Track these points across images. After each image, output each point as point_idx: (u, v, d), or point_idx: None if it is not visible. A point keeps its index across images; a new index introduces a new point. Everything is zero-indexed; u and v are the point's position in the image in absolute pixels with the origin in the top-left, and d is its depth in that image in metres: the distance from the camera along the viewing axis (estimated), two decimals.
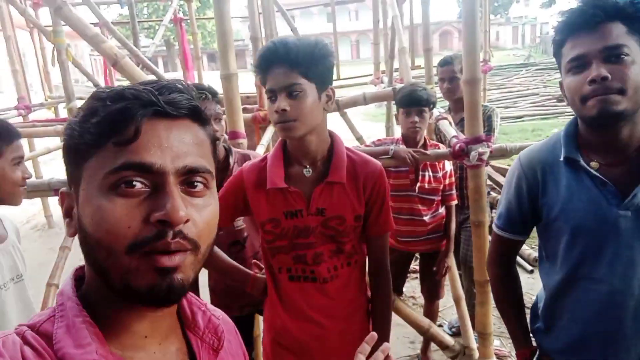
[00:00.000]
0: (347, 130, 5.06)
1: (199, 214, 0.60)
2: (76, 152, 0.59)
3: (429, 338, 2.67)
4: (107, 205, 0.56)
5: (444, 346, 2.60)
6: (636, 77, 1.08)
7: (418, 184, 2.54)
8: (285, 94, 1.26)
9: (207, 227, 0.62)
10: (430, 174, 2.57)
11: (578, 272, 1.23)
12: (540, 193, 1.27)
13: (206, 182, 0.63)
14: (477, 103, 2.29)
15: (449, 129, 2.67)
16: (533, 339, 1.42)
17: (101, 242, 0.56)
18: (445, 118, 2.86)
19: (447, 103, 3.20)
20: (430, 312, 2.85)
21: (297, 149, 1.36)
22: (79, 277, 0.65)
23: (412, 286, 3.73)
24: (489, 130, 2.86)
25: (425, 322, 2.59)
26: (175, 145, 0.59)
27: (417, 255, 2.92)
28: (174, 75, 11.06)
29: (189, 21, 7.45)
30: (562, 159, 1.22)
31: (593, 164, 1.19)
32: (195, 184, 0.61)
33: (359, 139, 4.91)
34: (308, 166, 1.37)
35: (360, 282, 1.50)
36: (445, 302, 3.30)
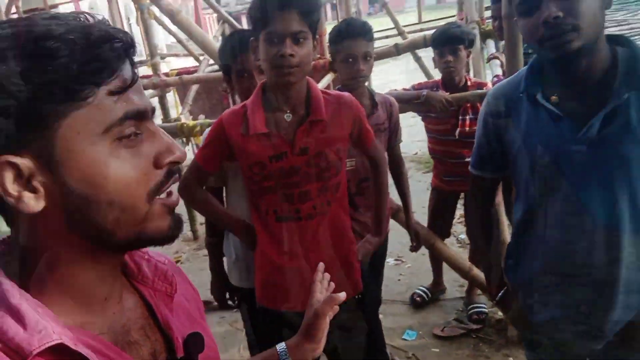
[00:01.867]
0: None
1: None
2: (36, 109, 0.48)
3: (470, 280, 2.69)
4: (116, 161, 0.53)
5: (485, 289, 2.61)
6: (588, 10, 1.03)
7: (458, 129, 2.49)
8: (291, 40, 1.32)
9: None
10: (471, 116, 2.51)
11: (536, 208, 1.23)
12: (504, 127, 1.26)
13: None
14: (518, 39, 2.17)
15: (496, 69, 2.56)
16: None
17: (114, 201, 0.53)
18: (497, 57, 2.74)
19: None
20: (475, 255, 2.84)
21: (282, 95, 1.42)
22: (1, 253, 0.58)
23: (460, 230, 3.68)
24: None
25: (466, 264, 2.61)
26: (140, 86, 0.58)
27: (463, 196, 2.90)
28: None
29: None
30: (521, 92, 1.20)
31: (553, 98, 1.15)
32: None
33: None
34: (288, 111, 1.43)
35: (344, 216, 1.58)
36: None
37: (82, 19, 0.53)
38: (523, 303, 1.35)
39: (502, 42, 3.03)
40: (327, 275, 1.10)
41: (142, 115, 0.55)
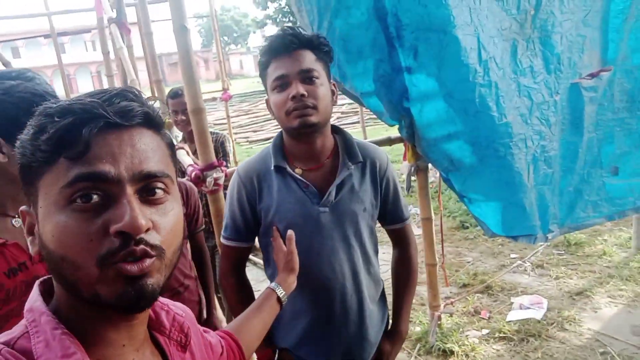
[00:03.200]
0: None
1: (162, 219, 0.60)
2: (30, 170, 0.58)
3: None
4: (65, 221, 0.55)
5: None
6: (323, 97, 1.31)
7: None
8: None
9: (171, 232, 0.61)
10: None
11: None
12: (257, 199, 1.42)
13: (166, 188, 0.62)
14: (206, 131, 2.38)
15: (186, 158, 2.72)
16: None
17: (65, 258, 0.55)
18: (182, 147, 2.91)
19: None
20: None
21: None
22: (44, 292, 0.63)
23: None
24: (224, 155, 3.01)
25: None
26: (129, 153, 0.58)
27: None
28: None
29: None
30: (272, 167, 1.40)
31: (297, 170, 1.39)
32: (155, 190, 0.60)
33: None
34: (17, 216, 1.25)
35: None
36: None
37: (121, 93, 0.61)
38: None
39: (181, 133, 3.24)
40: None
41: (103, 180, 0.56)
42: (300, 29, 1.35)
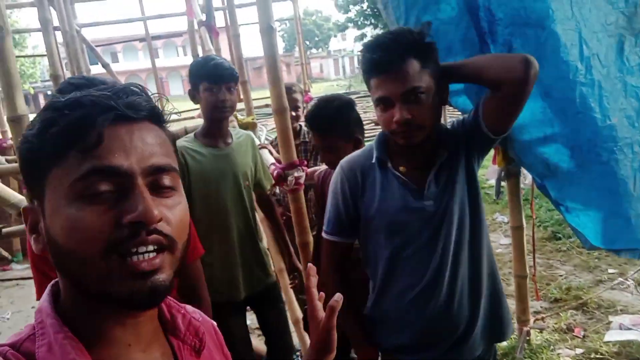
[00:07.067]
0: None
1: (170, 212, 0.60)
2: (37, 164, 0.58)
3: None
4: (77, 214, 0.55)
5: None
6: (429, 112, 1.27)
7: None
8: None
9: (180, 224, 0.62)
10: None
11: (398, 262, 1.39)
12: (360, 193, 1.41)
13: (173, 181, 0.62)
14: (288, 130, 2.40)
15: (268, 157, 2.75)
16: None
17: (75, 252, 0.55)
18: (265, 147, 2.96)
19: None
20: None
21: None
22: (54, 292, 0.63)
23: None
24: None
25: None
26: (140, 147, 0.59)
27: None
28: None
29: None
30: (374, 161, 1.39)
31: (401, 168, 1.37)
32: (164, 183, 0.61)
33: None
34: None
35: None
36: None
37: (128, 88, 0.61)
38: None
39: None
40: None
41: (115, 173, 0.56)
42: (401, 34, 1.27)
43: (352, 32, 29.52)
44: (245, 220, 2.17)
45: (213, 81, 1.98)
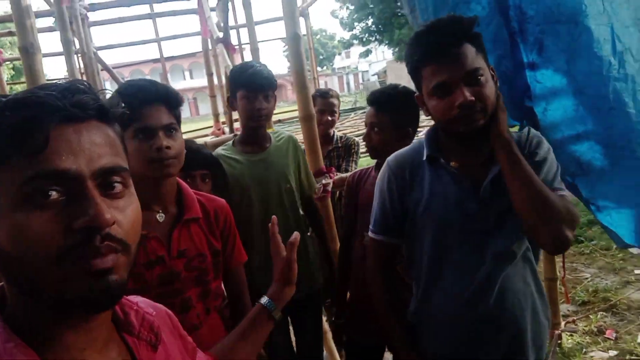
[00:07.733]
0: None
1: (122, 214, 0.58)
2: None
3: None
4: (23, 219, 0.52)
5: None
6: (491, 94, 1.21)
7: None
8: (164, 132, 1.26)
9: (133, 226, 0.60)
10: None
11: (444, 262, 1.33)
12: (408, 190, 1.36)
13: (124, 181, 0.60)
14: (315, 137, 2.42)
15: None
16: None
17: (24, 259, 0.52)
18: None
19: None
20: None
21: (153, 193, 1.28)
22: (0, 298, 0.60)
23: None
24: (349, 156, 3.00)
25: None
26: (88, 148, 0.56)
27: None
28: None
29: None
30: (424, 158, 1.33)
31: (453, 164, 1.31)
32: (114, 185, 0.59)
33: None
34: (160, 210, 1.30)
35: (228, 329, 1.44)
36: None
37: (74, 86, 0.58)
38: None
39: None
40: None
41: (64, 177, 0.53)
42: (454, 19, 1.22)
43: (356, 50, 29.73)
44: (285, 223, 2.11)
45: (250, 89, 1.98)
